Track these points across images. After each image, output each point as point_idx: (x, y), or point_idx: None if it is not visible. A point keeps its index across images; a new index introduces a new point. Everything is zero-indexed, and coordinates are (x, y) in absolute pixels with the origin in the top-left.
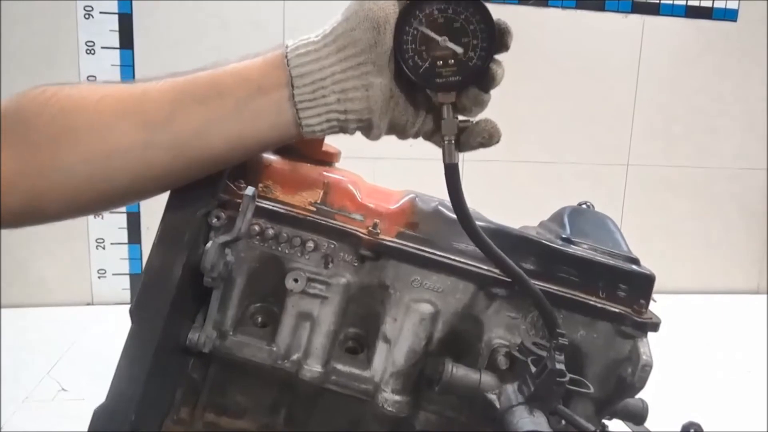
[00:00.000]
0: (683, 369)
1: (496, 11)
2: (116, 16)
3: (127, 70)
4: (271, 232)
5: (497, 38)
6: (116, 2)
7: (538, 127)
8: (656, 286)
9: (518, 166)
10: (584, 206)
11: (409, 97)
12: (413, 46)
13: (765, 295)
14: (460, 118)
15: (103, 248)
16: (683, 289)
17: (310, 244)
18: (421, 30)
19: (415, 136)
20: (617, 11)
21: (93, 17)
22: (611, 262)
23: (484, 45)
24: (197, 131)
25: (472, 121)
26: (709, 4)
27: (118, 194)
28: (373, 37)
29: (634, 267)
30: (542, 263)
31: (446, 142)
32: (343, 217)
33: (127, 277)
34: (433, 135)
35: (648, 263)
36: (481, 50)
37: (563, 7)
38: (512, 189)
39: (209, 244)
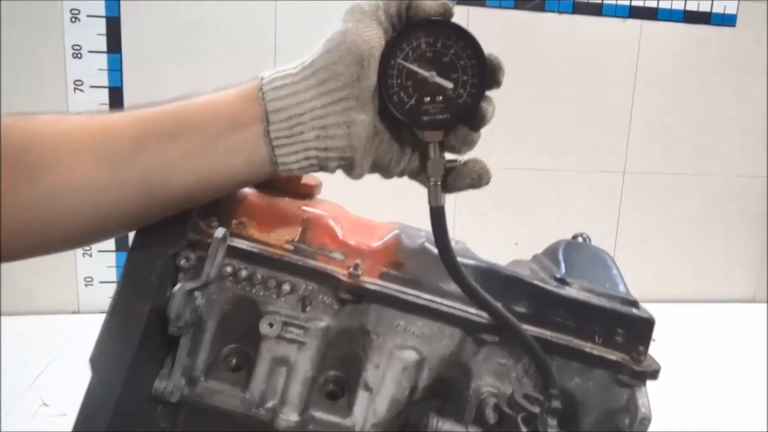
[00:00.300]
0: (679, 380)
1: (492, 16)
2: (104, 20)
3: (115, 74)
4: (244, 273)
5: (488, 74)
6: (104, 5)
7: (534, 133)
8: (653, 294)
9: (514, 173)
10: (580, 239)
11: (393, 135)
12: (399, 81)
13: (764, 304)
14: (448, 157)
15: (90, 256)
16: (680, 298)
17: (287, 287)
18: (408, 65)
19: (400, 175)
20: (615, 16)
21: (80, 20)
22: (608, 305)
23: (475, 81)
24: (164, 169)
25: (460, 161)
26: (707, 9)
27: (81, 234)
28: (356, 72)
29: (633, 310)
30: (535, 306)
31: (432, 184)
32: (323, 257)
33: (115, 285)
34: (418, 174)
35: (645, 271)
36: (471, 87)
37: (560, 11)
38: (509, 196)
39: (175, 289)
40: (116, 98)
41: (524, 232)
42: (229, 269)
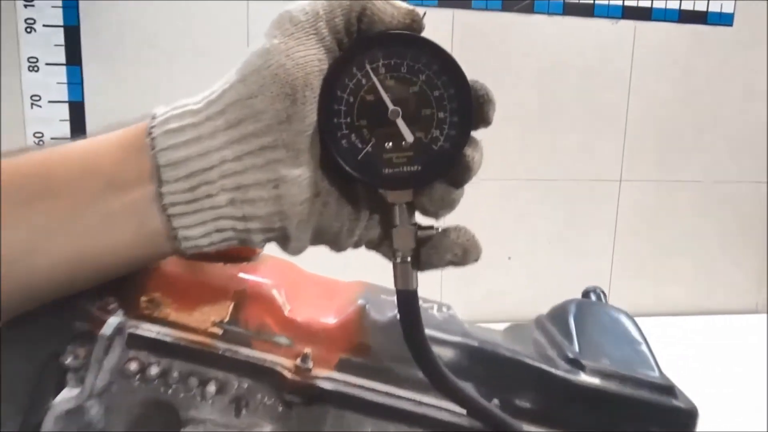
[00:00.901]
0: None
1: (478, 18)
2: (62, 29)
3: (76, 88)
4: (155, 370)
5: (474, 109)
6: (61, 13)
7: (525, 141)
8: (652, 307)
9: (505, 184)
10: (593, 296)
11: (343, 194)
12: (348, 120)
13: (765, 315)
14: (420, 220)
15: None
16: (679, 310)
17: (213, 386)
18: (362, 96)
19: (356, 245)
20: (607, 17)
21: (35, 30)
22: (637, 394)
23: (455, 120)
24: (23, 246)
25: (438, 229)
26: (703, 8)
27: None
28: (285, 109)
29: (670, 400)
30: (543, 399)
31: (399, 260)
32: (262, 343)
33: None
34: (380, 245)
35: (643, 283)
36: (450, 127)
37: (549, 13)
38: (500, 208)
39: (51, 408)
40: (77, 113)
41: (518, 245)
42: (134, 366)
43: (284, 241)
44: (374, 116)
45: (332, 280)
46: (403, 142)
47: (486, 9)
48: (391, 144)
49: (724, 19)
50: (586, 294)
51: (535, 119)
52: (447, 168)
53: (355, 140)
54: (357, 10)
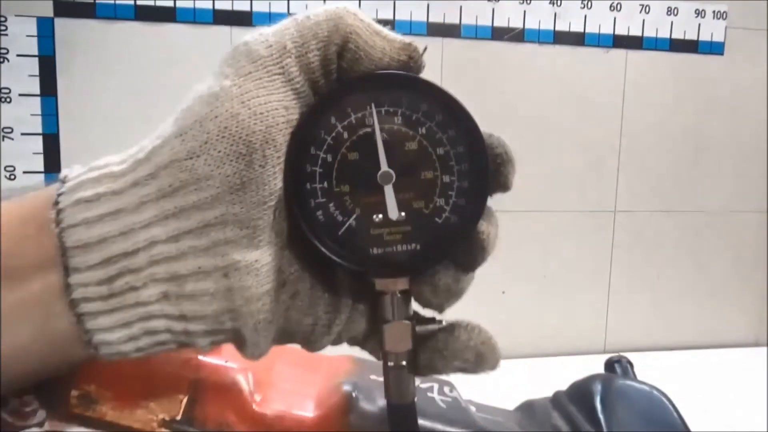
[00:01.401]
0: None
1: (468, 48)
2: (36, 59)
3: (51, 120)
4: None
5: (490, 171)
6: (36, 43)
7: (517, 173)
8: (649, 341)
9: (499, 217)
10: (618, 367)
11: (318, 280)
12: (325, 185)
13: (766, 348)
14: (420, 310)
15: None
16: (677, 344)
17: None
18: (344, 154)
19: (335, 343)
20: (598, 46)
21: (8, 60)
22: None
23: (465, 186)
24: None
25: (442, 323)
26: (694, 36)
27: None
28: (239, 173)
29: None
30: None
31: (391, 364)
32: None
33: None
34: (367, 342)
35: (640, 316)
36: (458, 195)
37: (540, 42)
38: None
39: None
40: (51, 146)
41: (512, 278)
42: None
43: (239, 344)
44: (360, 180)
45: (314, 360)
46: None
47: (476, 38)
48: (381, 216)
49: (715, 48)
50: (609, 365)
51: (526, 150)
52: (455, 247)
53: (333, 211)
54: (337, 43)
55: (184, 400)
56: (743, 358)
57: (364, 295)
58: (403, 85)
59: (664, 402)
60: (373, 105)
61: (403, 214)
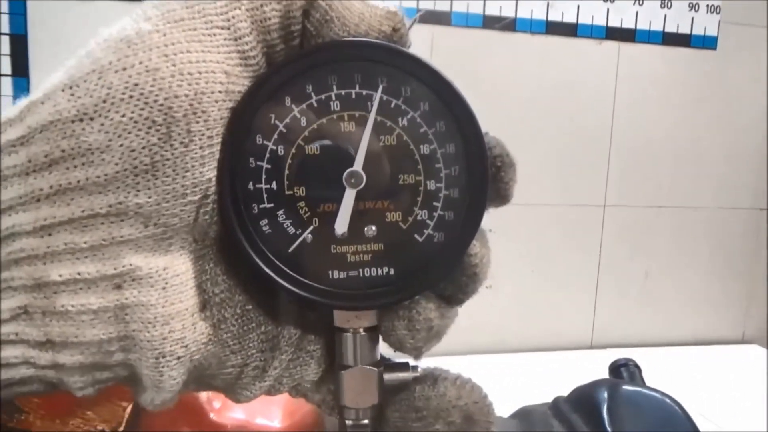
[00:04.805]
0: None
1: (459, 36)
2: (7, 38)
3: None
4: None
5: (489, 177)
6: (7, 20)
7: None
8: (637, 338)
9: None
10: (624, 372)
11: (253, 305)
12: (275, 186)
13: (753, 345)
14: (388, 353)
15: None
16: (665, 340)
17: None
18: (300, 147)
19: (271, 392)
20: (590, 37)
21: None
22: None
23: (456, 195)
24: None
25: (417, 370)
26: (687, 31)
27: None
28: (149, 149)
29: None
30: None
31: (349, 423)
32: None
33: None
34: (317, 393)
35: (628, 313)
36: (446, 206)
37: (532, 32)
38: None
39: None
40: None
41: (498, 273)
42: None
43: (134, 387)
44: (320, 182)
45: None
46: (371, 227)
47: (467, 26)
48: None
49: (708, 42)
50: (615, 369)
51: (516, 141)
52: (441, 274)
53: (284, 221)
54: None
55: (128, 409)
56: (731, 355)
57: (316, 330)
58: (383, 58)
59: (677, 411)
60: (381, 79)
61: (373, 228)
